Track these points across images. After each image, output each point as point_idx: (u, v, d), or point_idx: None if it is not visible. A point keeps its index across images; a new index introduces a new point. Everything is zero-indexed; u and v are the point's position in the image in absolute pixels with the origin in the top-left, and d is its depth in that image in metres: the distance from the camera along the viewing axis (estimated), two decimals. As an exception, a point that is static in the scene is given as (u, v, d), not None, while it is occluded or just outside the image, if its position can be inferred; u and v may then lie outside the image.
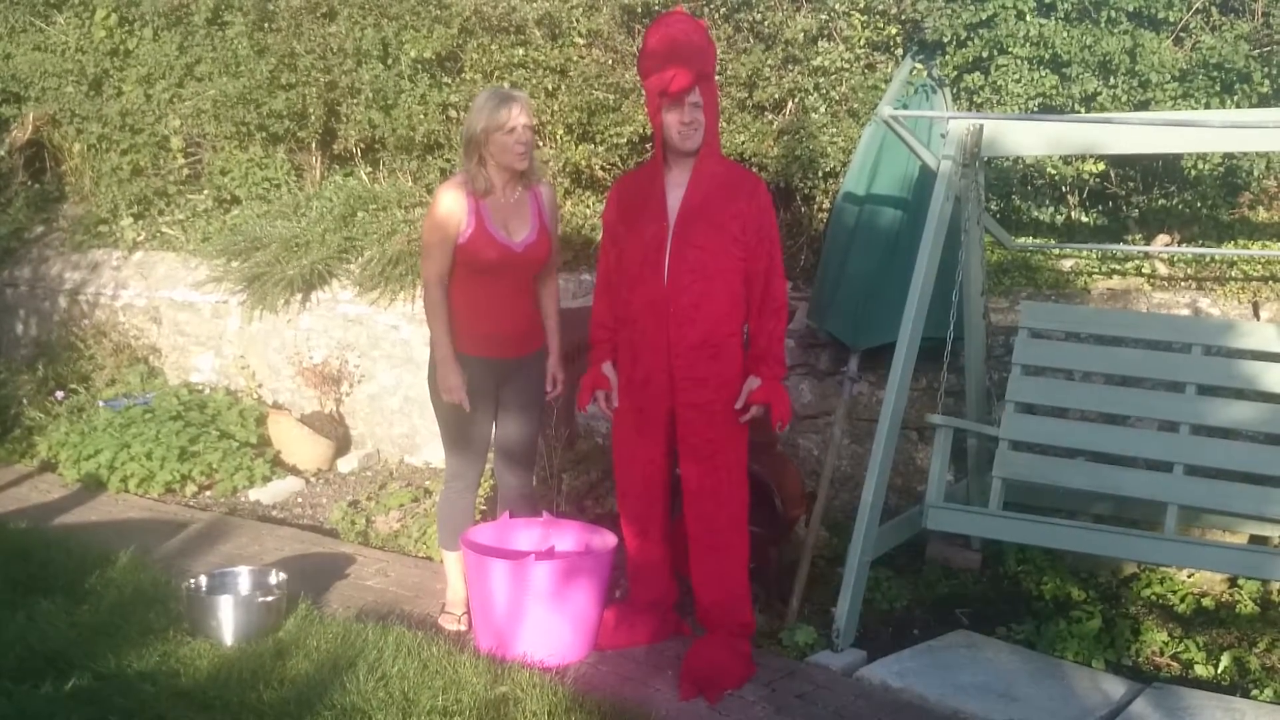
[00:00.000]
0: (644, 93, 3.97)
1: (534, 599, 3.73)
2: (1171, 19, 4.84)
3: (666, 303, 3.72)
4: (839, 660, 3.84)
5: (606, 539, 4.01)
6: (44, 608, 3.93)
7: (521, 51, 6.01)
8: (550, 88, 5.92)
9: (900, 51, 5.39)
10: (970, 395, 4.67)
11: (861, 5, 5.38)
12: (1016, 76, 4.93)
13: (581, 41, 5.96)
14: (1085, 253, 5.18)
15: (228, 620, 3.79)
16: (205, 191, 7.45)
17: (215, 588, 4.04)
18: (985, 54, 5.00)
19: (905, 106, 5.01)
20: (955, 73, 5.13)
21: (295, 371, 6.59)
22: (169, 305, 7.22)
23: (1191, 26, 4.87)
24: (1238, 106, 4.67)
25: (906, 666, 3.80)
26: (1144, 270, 5.08)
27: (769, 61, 5.50)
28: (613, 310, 3.91)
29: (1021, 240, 5.21)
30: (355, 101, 6.63)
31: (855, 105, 5.37)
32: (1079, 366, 4.49)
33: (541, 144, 6.00)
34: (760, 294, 3.75)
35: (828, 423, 5.05)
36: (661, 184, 3.78)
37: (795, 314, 5.09)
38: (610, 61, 5.89)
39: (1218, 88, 4.71)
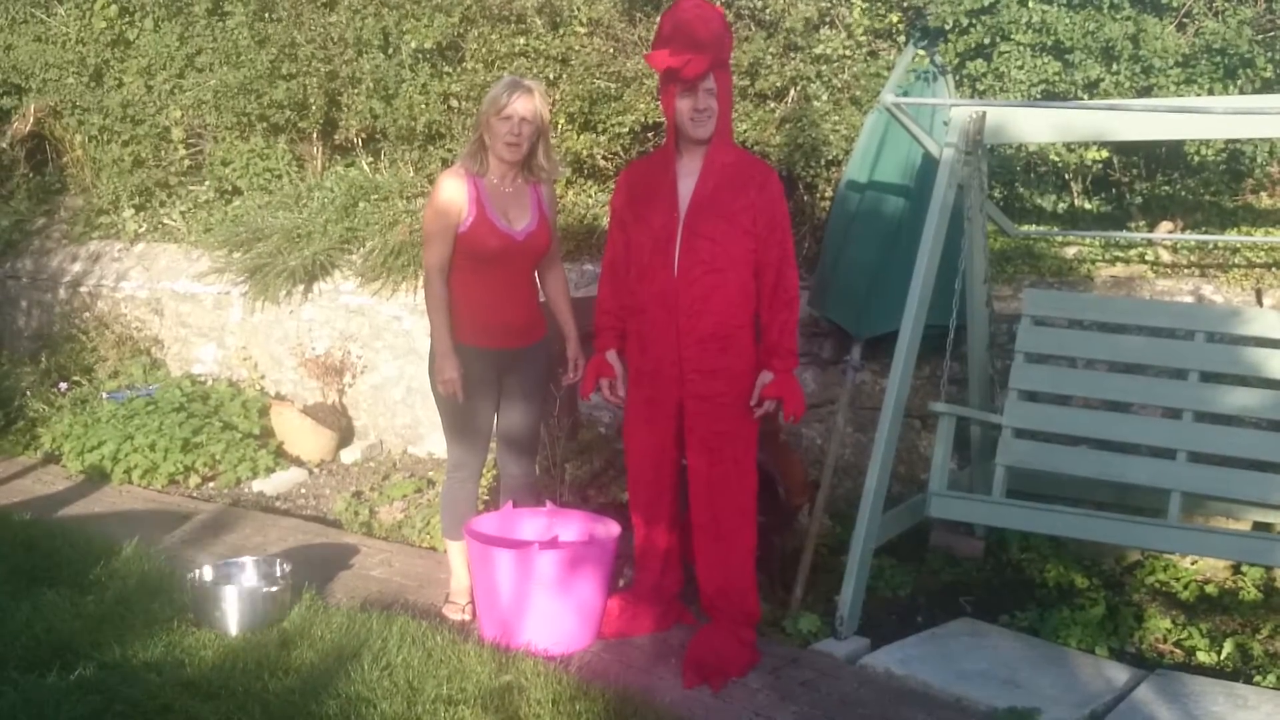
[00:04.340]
0: (657, 78, 3.93)
1: (538, 588, 3.74)
2: (1174, 4, 4.82)
3: (676, 294, 3.69)
4: (843, 648, 3.84)
5: (610, 528, 4.02)
6: (49, 598, 3.94)
7: (523, 40, 6.00)
8: (552, 77, 5.90)
9: (902, 39, 5.38)
10: (973, 383, 4.67)
11: (863, -8, 5.36)
12: (1019, 63, 4.92)
13: (583, 30, 5.94)
14: (1088, 240, 5.17)
15: (233, 610, 3.80)
16: (206, 182, 7.45)
17: (220, 578, 4.04)
18: (987, 41, 4.99)
19: (907, 94, 4.99)
20: (958, 60, 5.11)
21: (298, 362, 6.59)
22: (171, 296, 7.22)
23: (1194, 11, 4.85)
24: (1241, 92, 4.66)
25: (910, 654, 3.81)
26: (1147, 257, 5.07)
27: (770, 49, 5.48)
28: (618, 297, 3.89)
29: (1025, 227, 5.20)
30: (356, 91, 6.62)
31: (857, 93, 5.35)
32: (1082, 354, 4.48)
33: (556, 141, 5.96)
34: (771, 285, 3.72)
35: (831, 411, 5.04)
36: (673, 173, 3.75)
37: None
38: (612, 50, 5.87)
39: (1221, 73, 4.69)
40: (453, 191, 3.87)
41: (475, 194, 3.87)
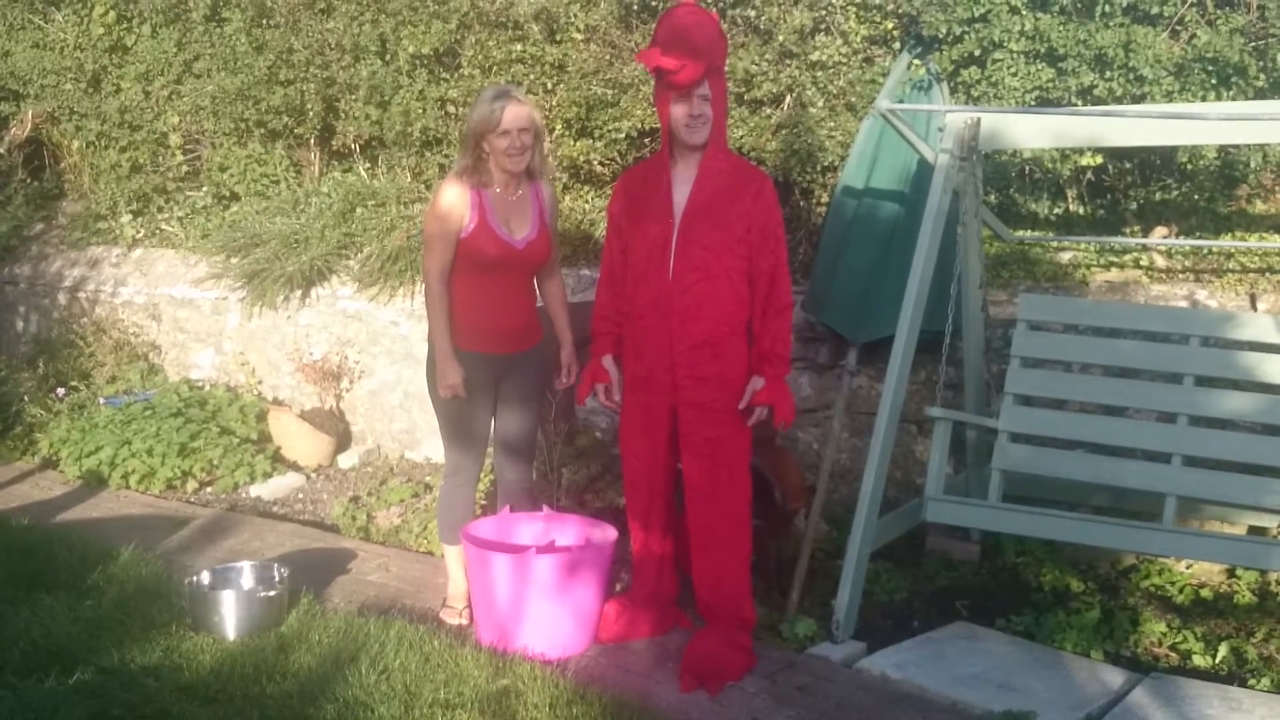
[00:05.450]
0: (653, 84, 3.93)
1: (535, 592, 3.75)
2: (1166, 13, 4.84)
3: (670, 300, 3.70)
4: (839, 652, 3.85)
5: (607, 533, 4.03)
6: (47, 603, 3.94)
7: (519, 47, 6.01)
8: (549, 83, 5.92)
9: (897, 45, 5.40)
10: (969, 388, 4.68)
11: (858, 0, 5.37)
12: (1013, 70, 4.94)
13: (579, 37, 5.97)
14: (1083, 245, 5.20)
15: (230, 615, 3.80)
16: (204, 188, 7.46)
17: (217, 583, 4.05)
18: (981, 49, 5.01)
19: (902, 101, 5.02)
20: (952, 67, 5.13)
21: (295, 368, 6.60)
22: (169, 302, 7.23)
23: (1187, 20, 4.88)
24: (1233, 100, 4.67)
25: (906, 658, 3.82)
26: (1142, 262, 5.09)
27: (766, 56, 5.50)
28: (615, 303, 3.91)
29: (1019, 233, 5.22)
30: (353, 97, 6.64)
31: (853, 99, 5.37)
32: (1077, 358, 4.50)
33: (549, 140, 5.96)
34: (765, 293, 3.72)
35: (827, 416, 5.06)
36: (668, 179, 3.75)
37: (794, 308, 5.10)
38: (608, 57, 5.89)
39: (1214, 81, 4.71)
40: (454, 198, 3.88)
41: (478, 201, 3.88)
